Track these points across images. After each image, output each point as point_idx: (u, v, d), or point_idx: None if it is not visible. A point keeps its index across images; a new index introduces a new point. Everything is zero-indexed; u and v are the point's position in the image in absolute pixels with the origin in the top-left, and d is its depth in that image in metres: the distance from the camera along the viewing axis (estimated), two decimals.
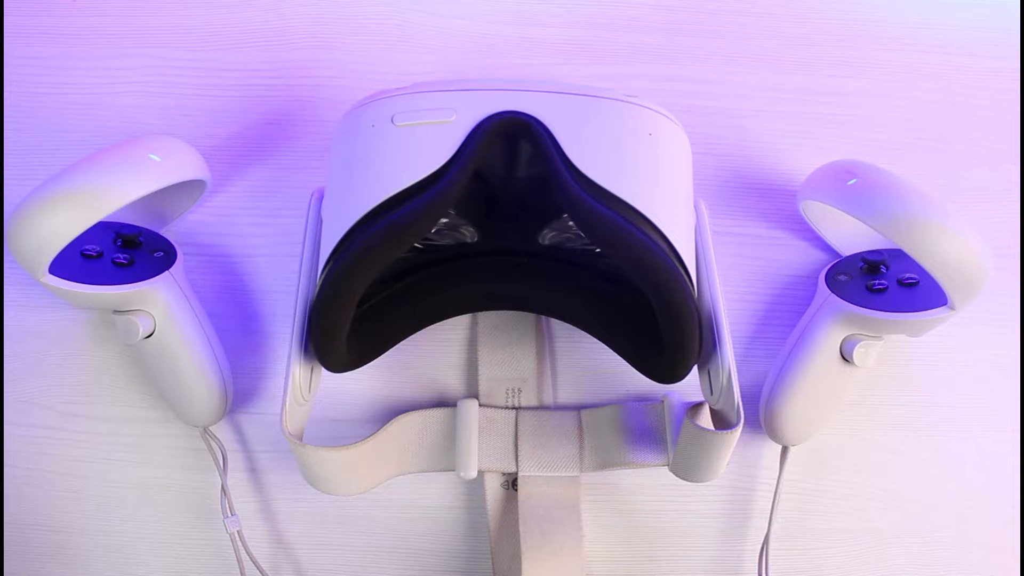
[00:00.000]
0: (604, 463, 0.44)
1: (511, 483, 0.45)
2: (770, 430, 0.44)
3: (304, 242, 0.42)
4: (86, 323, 0.47)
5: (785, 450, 0.45)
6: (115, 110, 0.50)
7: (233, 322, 0.47)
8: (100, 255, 0.42)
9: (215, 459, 0.45)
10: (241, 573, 0.44)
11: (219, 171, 0.49)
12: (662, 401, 0.44)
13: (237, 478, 0.46)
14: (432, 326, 0.44)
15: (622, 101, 0.38)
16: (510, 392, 0.46)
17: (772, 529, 0.44)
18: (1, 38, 0.51)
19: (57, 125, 0.50)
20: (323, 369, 0.39)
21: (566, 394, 0.47)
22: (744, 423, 0.36)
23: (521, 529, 0.43)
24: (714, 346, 0.38)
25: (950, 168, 0.50)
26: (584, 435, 0.45)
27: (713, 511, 0.46)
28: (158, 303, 0.42)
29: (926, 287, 0.42)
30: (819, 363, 0.43)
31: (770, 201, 0.49)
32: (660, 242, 0.35)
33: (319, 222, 0.41)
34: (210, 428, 0.45)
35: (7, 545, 0.46)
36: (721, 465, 0.38)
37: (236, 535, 0.44)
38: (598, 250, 0.43)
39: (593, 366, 0.47)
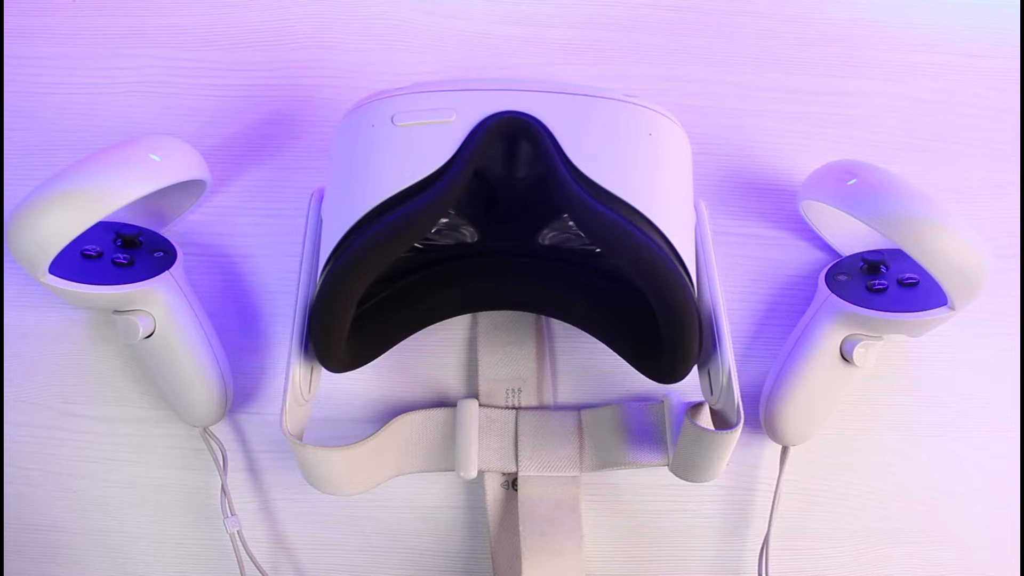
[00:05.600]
0: (604, 463, 0.44)
1: (511, 483, 0.45)
2: (770, 430, 0.44)
3: (304, 242, 0.42)
4: (86, 323, 0.47)
5: (785, 450, 0.45)
6: (115, 110, 0.50)
7: (233, 322, 0.47)
8: (100, 255, 0.42)
9: (215, 459, 0.45)
10: (241, 573, 0.44)
11: (219, 171, 0.49)
12: (662, 401, 0.44)
13: (237, 478, 0.46)
14: (432, 326, 0.44)
15: (622, 101, 0.38)
16: (510, 392, 0.46)
17: (772, 529, 0.44)
18: (1, 38, 0.51)
19: (57, 125, 0.50)
20: (323, 369, 0.39)
21: (566, 394, 0.47)
22: (744, 423, 0.36)
23: (521, 529, 0.43)
24: (714, 346, 0.38)
25: (950, 168, 0.50)
26: (584, 435, 0.45)
27: (713, 511, 0.46)
28: (158, 303, 0.42)
29: (926, 287, 0.42)
30: (819, 363, 0.43)
31: (770, 201, 0.49)
32: (660, 242, 0.35)
33: (319, 222, 0.41)
34: (210, 428, 0.45)
35: (7, 545, 0.46)
36: (721, 465, 0.38)
37: (236, 535, 0.44)
38: (598, 250, 0.43)
39: (593, 366, 0.47)
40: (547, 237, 0.44)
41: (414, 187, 0.35)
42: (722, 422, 0.39)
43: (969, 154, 0.50)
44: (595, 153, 0.36)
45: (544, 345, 0.47)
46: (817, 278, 0.46)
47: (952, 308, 0.39)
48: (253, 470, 0.46)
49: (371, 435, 0.41)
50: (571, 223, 0.42)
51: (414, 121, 0.37)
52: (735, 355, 0.39)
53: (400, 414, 0.44)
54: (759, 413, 0.45)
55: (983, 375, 0.47)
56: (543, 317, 0.47)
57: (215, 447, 0.45)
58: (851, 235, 0.47)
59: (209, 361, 0.43)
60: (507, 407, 0.46)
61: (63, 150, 0.49)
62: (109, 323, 0.46)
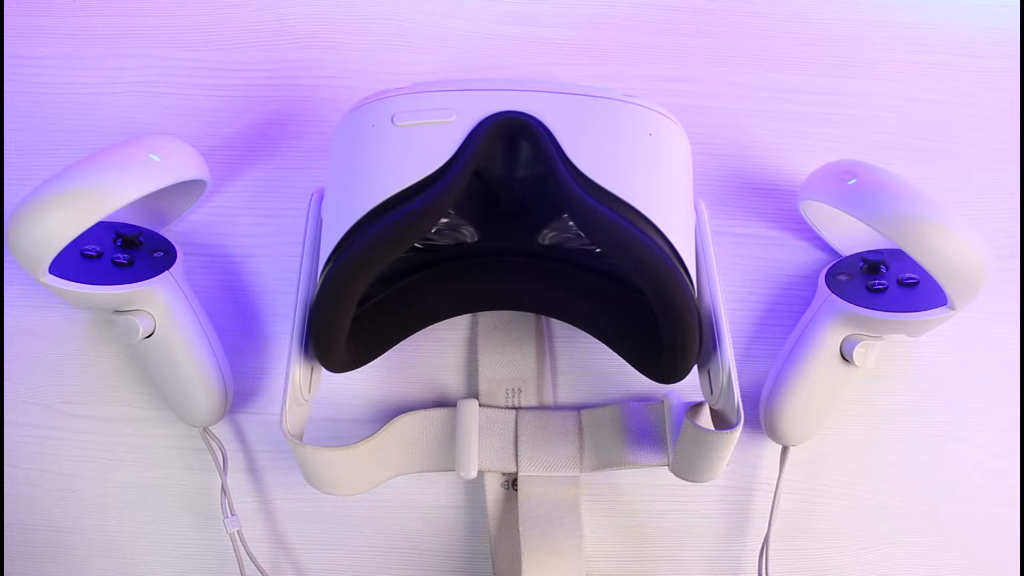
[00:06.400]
0: (604, 463, 0.44)
1: (511, 483, 0.45)
2: (770, 430, 0.44)
3: (304, 242, 0.42)
4: (86, 323, 0.47)
5: (785, 450, 0.44)
6: (115, 110, 0.50)
7: (233, 322, 0.47)
8: (100, 255, 0.42)
9: (215, 459, 0.45)
10: (241, 573, 0.44)
11: (219, 171, 0.49)
12: (662, 401, 0.44)
13: (237, 478, 0.46)
14: (432, 326, 0.44)
15: (622, 101, 0.38)
16: (510, 392, 0.46)
17: (772, 529, 0.44)
18: (1, 38, 0.51)
19: (57, 125, 0.50)
20: (323, 369, 0.39)
21: (566, 394, 0.47)
22: (744, 423, 0.36)
23: (521, 529, 0.43)
24: (714, 346, 0.38)
25: (950, 168, 0.50)
26: (584, 435, 0.45)
27: (713, 511, 0.46)
28: (158, 303, 0.42)
29: (926, 287, 0.42)
30: (819, 363, 0.43)
31: (770, 201, 0.49)
32: (660, 242, 0.35)
33: (319, 222, 0.41)
34: (210, 428, 0.45)
35: (7, 545, 0.46)
36: (721, 465, 0.38)
37: (236, 535, 0.44)
38: (598, 250, 0.43)
39: (593, 366, 0.47)
40: (547, 237, 0.44)
41: (414, 187, 0.35)
42: (722, 422, 0.39)
43: (969, 154, 0.50)
44: (595, 153, 0.36)
45: (544, 345, 0.47)
46: (817, 278, 0.46)
47: (952, 308, 0.39)
48: (253, 470, 0.46)
49: (371, 435, 0.41)
50: (571, 223, 0.42)
51: (414, 121, 0.37)
52: (735, 355, 0.39)
53: (400, 414, 0.44)
54: (759, 413, 0.45)
55: (983, 375, 0.47)
56: (543, 317, 0.47)
57: (215, 447, 0.45)
58: (851, 235, 0.47)
59: (209, 361, 0.43)
60: (507, 407, 0.46)
61: (63, 150, 0.49)
62: (109, 323, 0.46)
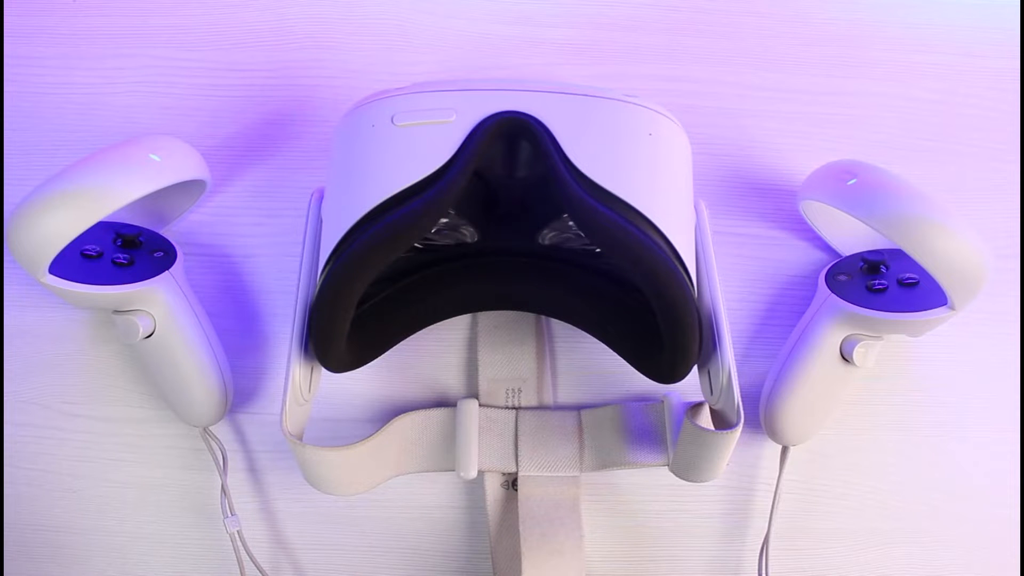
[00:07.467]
0: (604, 463, 0.44)
1: (511, 483, 0.45)
2: (770, 430, 0.44)
3: (304, 242, 0.42)
4: (86, 323, 0.47)
5: (785, 450, 0.45)
6: (115, 110, 0.50)
7: (233, 322, 0.47)
8: (100, 255, 0.42)
9: (215, 459, 0.45)
10: (241, 573, 0.44)
11: (219, 171, 0.49)
12: (662, 401, 0.44)
13: (237, 478, 0.46)
14: (432, 326, 0.44)
15: (622, 101, 0.38)
16: (510, 392, 0.46)
17: (772, 529, 0.44)
18: (1, 38, 0.51)
19: (57, 125, 0.50)
20: (323, 369, 0.39)
21: (566, 394, 0.47)
22: (744, 423, 0.36)
23: (521, 529, 0.43)
24: (714, 346, 0.38)
25: (950, 168, 0.50)
26: (584, 435, 0.45)
27: (713, 511, 0.46)
28: (158, 303, 0.42)
29: (926, 287, 0.42)
30: (819, 363, 0.43)
31: (770, 201, 0.49)
32: (660, 242, 0.35)
33: (319, 222, 0.41)
34: (210, 428, 0.45)
35: (7, 545, 0.46)
36: (721, 465, 0.38)
37: (236, 535, 0.44)
38: (598, 250, 0.43)
39: (593, 366, 0.47)
40: (547, 237, 0.44)
41: (414, 187, 0.35)
42: (722, 422, 0.39)
43: (969, 154, 0.50)
44: (595, 153, 0.36)
45: (544, 345, 0.47)
46: (817, 278, 0.46)
47: (952, 308, 0.39)
48: (253, 470, 0.46)
49: (371, 435, 0.41)
50: (571, 223, 0.42)
51: (414, 121, 0.37)
52: (735, 355, 0.39)
53: (400, 414, 0.44)
54: (759, 413, 0.45)
55: (983, 375, 0.47)
56: (543, 317, 0.47)
57: (215, 447, 0.45)
58: (851, 235, 0.47)
59: (209, 361, 0.43)
60: (507, 407, 0.46)
61: (63, 150, 0.49)
62: (109, 323, 0.46)
